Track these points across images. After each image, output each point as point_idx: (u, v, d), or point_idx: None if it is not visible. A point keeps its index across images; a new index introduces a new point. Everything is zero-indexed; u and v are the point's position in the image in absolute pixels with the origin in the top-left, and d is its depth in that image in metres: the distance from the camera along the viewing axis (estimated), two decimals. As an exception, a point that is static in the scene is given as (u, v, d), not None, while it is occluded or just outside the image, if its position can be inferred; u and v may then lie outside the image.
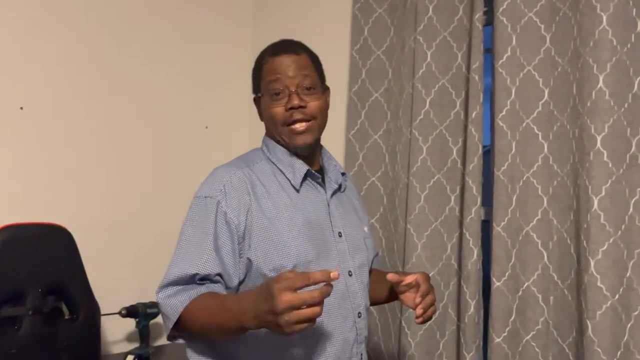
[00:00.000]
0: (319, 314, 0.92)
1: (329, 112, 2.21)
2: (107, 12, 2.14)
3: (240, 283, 1.17)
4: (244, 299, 1.01)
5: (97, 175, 2.08)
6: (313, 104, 1.22)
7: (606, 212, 1.42)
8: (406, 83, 1.89)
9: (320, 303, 0.92)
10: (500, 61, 1.64)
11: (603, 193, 1.42)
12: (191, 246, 1.13)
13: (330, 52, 2.25)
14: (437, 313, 1.23)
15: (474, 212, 1.69)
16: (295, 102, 1.19)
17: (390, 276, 1.17)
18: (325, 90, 1.31)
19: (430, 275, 1.75)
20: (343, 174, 1.35)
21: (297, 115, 1.20)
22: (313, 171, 1.26)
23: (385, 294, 1.36)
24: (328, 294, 0.93)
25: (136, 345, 1.97)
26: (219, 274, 1.13)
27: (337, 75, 2.18)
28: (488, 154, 1.72)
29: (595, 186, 1.43)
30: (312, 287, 0.92)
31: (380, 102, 2.02)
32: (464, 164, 1.76)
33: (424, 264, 1.80)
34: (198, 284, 1.12)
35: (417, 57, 1.83)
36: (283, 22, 2.50)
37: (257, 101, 1.30)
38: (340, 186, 1.33)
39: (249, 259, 1.14)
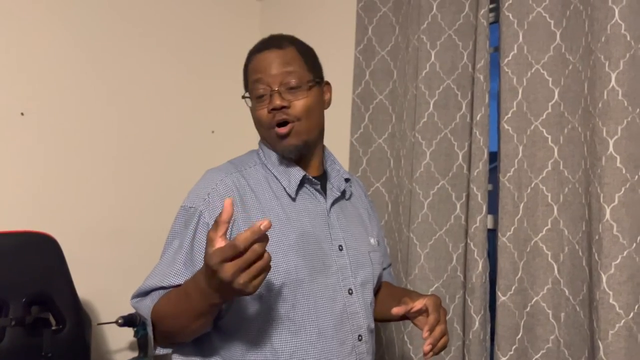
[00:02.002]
0: (268, 263, 0.87)
1: (333, 113, 2.17)
2: (111, 17, 2.12)
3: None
4: (198, 280, 0.94)
5: (101, 182, 2.06)
6: (298, 104, 1.11)
7: (619, 223, 1.29)
8: (410, 84, 1.80)
9: (262, 255, 0.86)
10: (507, 60, 1.53)
11: (616, 202, 1.30)
12: (167, 259, 1.08)
13: (334, 53, 2.19)
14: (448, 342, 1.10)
15: (479, 221, 1.58)
16: (277, 102, 1.10)
17: (395, 310, 1.05)
18: (319, 85, 1.19)
19: (435, 287, 1.69)
20: (347, 179, 1.24)
21: (280, 116, 1.11)
22: (311, 177, 1.16)
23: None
24: (266, 229, 0.85)
25: (135, 355, 1.94)
26: None
27: (340, 77, 2.11)
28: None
29: (607, 194, 1.31)
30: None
31: (384, 104, 1.93)
32: (469, 169, 1.65)
33: (427, 276, 1.70)
34: None
35: (421, 57, 1.74)
36: (289, 25, 2.44)
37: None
38: (343, 193, 1.23)
39: None
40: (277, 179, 1.15)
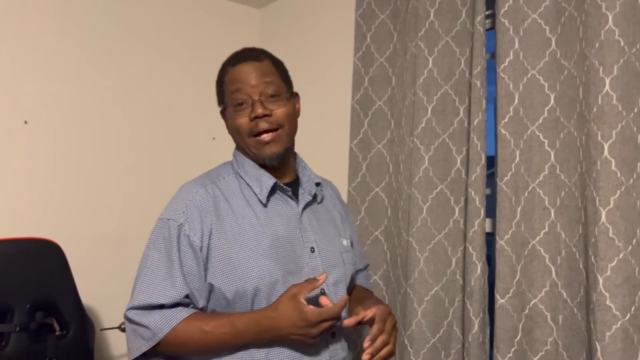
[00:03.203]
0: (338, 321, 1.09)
1: (333, 120, 2.19)
2: (113, 27, 2.16)
3: (205, 305, 1.14)
4: (259, 319, 1.07)
5: (104, 189, 2.08)
6: (279, 112, 1.16)
7: (615, 226, 1.31)
8: (408, 90, 1.82)
9: (340, 315, 1.09)
10: (503, 65, 1.55)
11: (611, 205, 1.32)
12: (159, 273, 1.10)
13: (333, 60, 2.22)
14: (394, 354, 1.14)
15: (477, 225, 1.60)
16: (259, 111, 1.14)
17: (346, 323, 1.11)
18: (293, 96, 1.25)
19: (435, 290, 1.70)
20: (318, 184, 1.29)
21: (263, 124, 1.15)
22: (281, 184, 1.20)
23: None
24: (345, 303, 1.10)
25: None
26: (187, 297, 1.10)
27: (340, 84, 2.14)
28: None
29: (602, 197, 1.33)
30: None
31: (383, 110, 1.95)
32: (467, 174, 1.67)
33: (427, 280, 1.71)
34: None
35: (418, 63, 1.76)
36: (288, 33, 2.47)
37: (223, 114, 1.25)
38: (315, 197, 1.27)
39: (210, 283, 1.11)
40: (249, 186, 1.19)
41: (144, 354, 1.09)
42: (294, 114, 1.24)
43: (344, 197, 2.02)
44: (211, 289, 1.11)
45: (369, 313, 1.11)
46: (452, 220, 1.72)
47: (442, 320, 1.71)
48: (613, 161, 1.32)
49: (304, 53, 2.37)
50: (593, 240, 1.34)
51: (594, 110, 1.36)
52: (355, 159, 1.99)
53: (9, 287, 1.48)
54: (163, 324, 1.07)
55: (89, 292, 1.74)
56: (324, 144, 2.24)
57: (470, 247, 1.60)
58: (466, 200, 1.66)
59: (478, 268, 1.59)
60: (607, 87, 1.33)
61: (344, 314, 1.22)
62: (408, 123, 1.81)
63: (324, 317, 1.04)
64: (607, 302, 1.30)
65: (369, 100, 1.98)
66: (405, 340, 1.74)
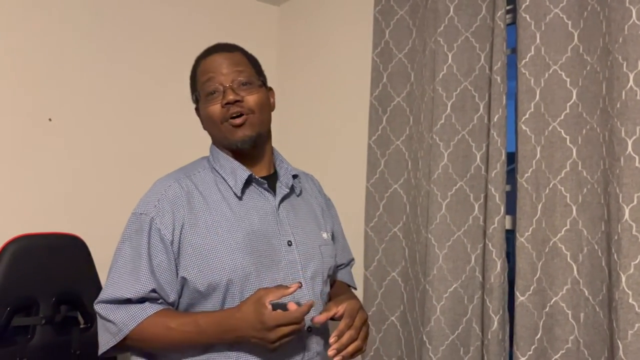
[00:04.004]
0: (300, 328, 1.04)
1: (351, 116, 2.19)
2: (134, 27, 2.18)
3: (178, 298, 1.14)
4: (221, 320, 1.05)
5: (127, 185, 2.10)
6: (250, 98, 1.17)
7: (639, 223, 1.29)
8: (427, 86, 1.81)
9: (301, 320, 1.04)
10: (524, 61, 1.54)
11: (635, 202, 1.30)
12: (128, 267, 1.11)
13: (352, 56, 2.22)
14: (363, 350, 1.14)
15: (497, 222, 1.59)
16: (230, 97, 1.14)
17: (317, 319, 1.09)
18: (266, 87, 1.26)
19: (454, 287, 1.70)
20: (295, 176, 1.28)
21: (234, 108, 1.15)
22: (256, 177, 1.20)
23: None
24: (309, 309, 1.05)
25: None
26: (154, 291, 1.10)
27: (358, 80, 2.14)
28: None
29: (626, 194, 1.31)
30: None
31: (402, 106, 1.95)
32: (487, 170, 1.66)
33: (446, 277, 1.71)
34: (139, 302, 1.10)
35: (437, 59, 1.75)
36: (307, 30, 2.48)
37: (197, 110, 1.25)
38: (292, 190, 1.26)
39: (183, 277, 1.11)
40: (224, 180, 1.19)
41: (113, 348, 1.10)
42: (267, 105, 1.24)
43: (362, 194, 2.02)
44: (184, 282, 1.11)
45: (340, 309, 1.10)
46: (472, 217, 1.71)
47: (461, 317, 1.71)
48: (637, 157, 1.30)
49: (322, 50, 2.38)
50: (616, 237, 1.33)
51: (618, 105, 1.34)
52: (373, 155, 1.99)
53: (36, 280, 1.51)
54: (129, 319, 1.07)
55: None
56: (342, 140, 2.24)
57: (489, 244, 1.59)
58: (486, 197, 1.65)
59: (498, 265, 1.58)
60: (631, 82, 1.31)
61: (316, 312, 1.21)
62: (427, 119, 1.81)
63: (281, 322, 1.02)
64: (630, 301, 1.29)
65: (387, 96, 1.97)
66: (424, 336, 1.73)
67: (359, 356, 1.17)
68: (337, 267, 1.41)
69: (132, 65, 2.17)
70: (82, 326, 1.60)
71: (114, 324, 1.08)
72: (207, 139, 2.40)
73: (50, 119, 2.00)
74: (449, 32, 1.74)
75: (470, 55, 1.72)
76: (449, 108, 1.74)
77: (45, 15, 1.99)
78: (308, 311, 1.05)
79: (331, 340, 1.07)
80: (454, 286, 1.71)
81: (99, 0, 2.10)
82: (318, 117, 2.38)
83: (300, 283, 1.08)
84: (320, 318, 1.09)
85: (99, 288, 1.67)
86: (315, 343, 1.18)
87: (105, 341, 1.10)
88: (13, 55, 1.92)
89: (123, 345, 1.10)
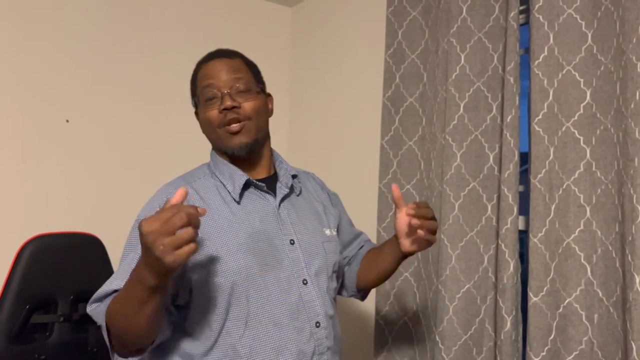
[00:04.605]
0: (193, 234, 0.89)
1: (364, 117, 2.20)
2: (148, 29, 2.21)
3: (188, 304, 1.14)
4: (136, 265, 0.97)
5: (142, 185, 2.13)
6: (247, 105, 1.19)
7: (653, 224, 1.29)
8: (440, 87, 1.82)
9: (189, 222, 0.89)
10: (537, 62, 1.53)
11: (649, 203, 1.30)
12: (121, 268, 1.12)
13: (365, 57, 2.23)
14: (435, 239, 1.25)
15: (510, 222, 1.59)
16: (228, 103, 1.16)
17: (394, 188, 1.22)
18: (266, 95, 1.28)
19: (466, 287, 1.70)
20: (294, 176, 1.30)
21: (231, 115, 1.17)
22: (254, 180, 1.22)
23: (389, 260, 1.35)
24: (195, 212, 0.90)
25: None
26: None
27: (371, 81, 2.15)
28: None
29: (640, 195, 1.31)
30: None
31: (414, 107, 1.95)
32: (500, 170, 1.66)
33: (458, 277, 1.71)
34: None
35: (450, 60, 1.75)
36: (319, 31, 2.49)
37: (196, 114, 1.27)
38: (292, 189, 1.28)
39: (189, 278, 1.12)
40: (224, 185, 1.21)
41: (113, 349, 1.09)
42: (265, 110, 1.25)
43: (375, 194, 2.03)
44: (189, 286, 1.12)
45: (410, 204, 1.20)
46: (485, 217, 1.71)
47: (474, 317, 1.71)
48: (651, 158, 1.30)
49: (335, 50, 2.39)
50: (630, 238, 1.32)
51: (632, 106, 1.33)
52: (386, 155, 2.00)
53: (54, 279, 1.54)
54: (103, 307, 1.07)
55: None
56: (355, 140, 2.26)
57: (502, 245, 1.59)
58: (499, 197, 1.65)
59: (511, 266, 1.58)
60: (645, 82, 1.31)
61: (331, 311, 1.23)
62: (440, 120, 1.81)
63: (153, 226, 0.88)
64: (644, 302, 1.28)
65: (400, 97, 1.98)
66: (437, 336, 1.74)
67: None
68: (359, 249, 1.47)
69: (145, 67, 2.20)
70: (98, 324, 1.62)
71: (100, 325, 1.08)
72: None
73: (67, 121, 2.03)
74: (461, 32, 1.74)
75: (483, 55, 1.72)
76: (461, 108, 1.74)
77: (62, 20, 2.02)
78: (180, 200, 0.95)
79: (409, 211, 1.17)
80: (466, 286, 1.71)
81: (115, 4, 2.13)
82: (331, 117, 2.39)
83: (186, 189, 1.00)
84: (396, 188, 1.23)
85: (115, 287, 1.71)
86: (325, 337, 1.19)
87: (108, 343, 1.08)
88: (31, 60, 1.96)
89: (119, 344, 1.07)
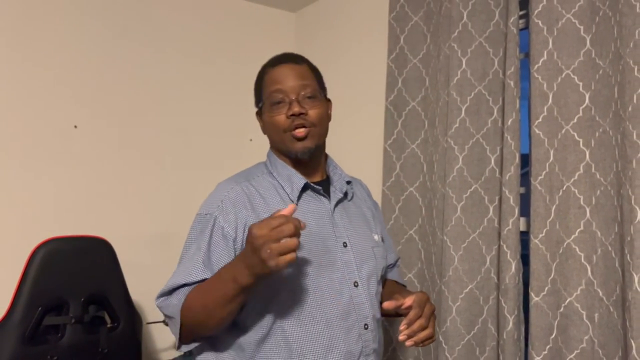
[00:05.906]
0: (297, 244, 0.97)
1: (367, 120, 2.23)
2: (156, 35, 2.25)
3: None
4: (233, 262, 1.05)
5: (151, 189, 2.18)
6: (313, 112, 1.22)
7: (651, 224, 1.32)
8: (442, 91, 1.85)
9: (295, 233, 0.97)
10: (536, 66, 1.57)
11: (647, 204, 1.32)
12: (187, 260, 1.16)
13: (367, 62, 2.26)
14: (434, 339, 1.14)
15: (512, 224, 1.62)
16: (296, 109, 1.19)
17: (387, 305, 1.12)
18: (327, 100, 1.31)
19: (469, 288, 1.73)
20: (349, 182, 1.34)
21: (299, 121, 1.20)
22: (312, 184, 1.25)
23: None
24: (299, 226, 0.98)
25: (181, 353, 2.04)
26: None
27: (374, 85, 2.18)
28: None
29: (638, 196, 1.33)
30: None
31: (417, 110, 1.99)
32: (502, 173, 1.69)
33: (461, 278, 1.74)
34: None
35: (452, 64, 1.78)
36: (323, 36, 2.52)
37: (259, 115, 1.30)
38: (345, 195, 1.31)
39: None
40: (282, 186, 1.25)
41: (184, 342, 1.14)
42: (327, 117, 1.29)
43: (379, 197, 2.06)
44: None
45: (407, 301, 1.11)
46: (487, 219, 1.74)
47: (477, 317, 1.74)
48: (649, 160, 1.32)
49: (338, 55, 2.42)
50: (629, 238, 1.35)
51: (629, 109, 1.36)
52: (389, 159, 2.03)
53: (65, 281, 1.58)
54: (178, 302, 1.11)
55: (136, 287, 1.83)
56: (358, 144, 2.29)
57: (504, 246, 1.62)
58: (500, 199, 1.68)
59: (512, 266, 1.61)
60: (642, 86, 1.34)
61: (378, 314, 1.24)
62: (442, 123, 1.84)
63: (263, 232, 0.96)
64: (643, 301, 1.31)
65: (402, 101, 2.01)
66: (440, 337, 1.77)
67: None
68: (387, 267, 1.46)
69: (153, 73, 2.24)
70: (109, 325, 1.66)
71: (171, 317, 1.12)
72: (236, 144, 2.47)
73: (75, 126, 2.07)
74: (463, 37, 1.77)
75: (484, 60, 1.75)
76: (463, 112, 1.77)
77: (71, 27, 2.06)
78: (292, 212, 1.01)
79: (401, 327, 1.08)
80: (469, 287, 1.74)
81: (124, 11, 2.17)
82: (334, 121, 2.40)
83: (295, 203, 1.07)
84: (390, 304, 1.11)
85: (124, 288, 1.74)
86: (371, 340, 1.21)
87: (174, 334, 1.13)
88: (41, 69, 2.00)
89: (188, 334, 1.12)
